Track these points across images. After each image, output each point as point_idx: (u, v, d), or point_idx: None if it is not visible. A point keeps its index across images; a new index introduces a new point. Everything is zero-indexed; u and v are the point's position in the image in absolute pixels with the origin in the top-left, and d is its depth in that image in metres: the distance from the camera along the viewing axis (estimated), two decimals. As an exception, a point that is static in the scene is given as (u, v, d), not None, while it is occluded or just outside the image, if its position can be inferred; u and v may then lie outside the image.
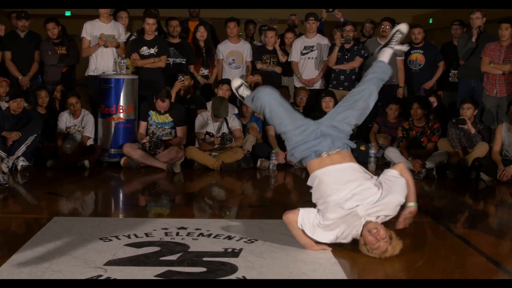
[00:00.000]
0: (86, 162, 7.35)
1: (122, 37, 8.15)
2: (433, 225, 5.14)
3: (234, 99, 8.21)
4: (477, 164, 7.16)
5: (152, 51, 8.09)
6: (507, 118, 7.35)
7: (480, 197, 6.73)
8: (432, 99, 8.19)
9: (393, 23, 8.73)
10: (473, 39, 8.24)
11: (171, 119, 7.60)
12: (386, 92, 8.49)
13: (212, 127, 7.63)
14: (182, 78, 7.98)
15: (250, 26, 9.94)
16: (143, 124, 7.59)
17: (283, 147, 7.72)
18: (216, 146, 7.51)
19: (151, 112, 7.58)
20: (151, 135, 7.51)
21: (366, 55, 8.51)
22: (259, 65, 8.67)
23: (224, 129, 7.61)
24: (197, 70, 8.66)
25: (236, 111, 8.08)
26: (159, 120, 7.58)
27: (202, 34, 8.65)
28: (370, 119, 8.46)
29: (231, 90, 7.99)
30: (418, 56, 8.68)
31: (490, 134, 7.60)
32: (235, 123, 7.70)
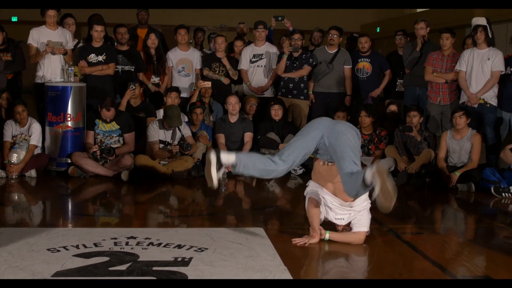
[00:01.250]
0: (33, 172, 7.22)
1: (70, 44, 8.04)
2: (381, 231, 5.22)
3: (183, 106, 8.20)
4: (423, 171, 7.31)
5: (100, 58, 8.01)
6: (451, 125, 7.54)
7: (426, 203, 6.87)
8: (393, 107, 8.34)
9: (341, 31, 8.88)
10: (417, 49, 8.43)
11: (118, 127, 7.53)
12: (334, 100, 8.62)
13: (164, 135, 7.59)
14: (134, 87, 7.92)
15: (199, 33, 9.94)
16: (90, 134, 7.50)
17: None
18: (175, 154, 7.48)
19: (97, 121, 7.49)
20: (99, 144, 7.43)
21: (314, 63, 8.60)
22: (205, 72, 8.65)
23: (178, 137, 7.58)
24: (148, 78, 8.60)
25: (186, 119, 8.07)
26: (106, 128, 7.51)
27: (153, 41, 8.61)
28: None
29: (180, 97, 8.06)
30: (365, 65, 8.82)
31: (435, 141, 7.78)
32: (187, 131, 7.69)
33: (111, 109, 7.33)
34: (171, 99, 7.87)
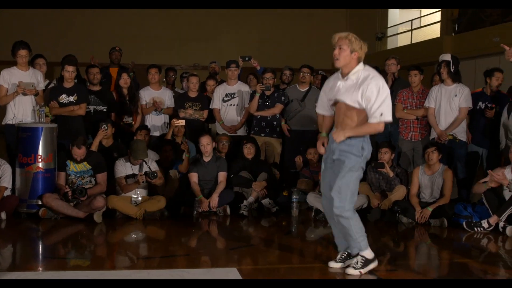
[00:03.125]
0: (3, 214, 7.09)
1: (41, 84, 8.00)
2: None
3: (156, 145, 8.18)
4: (396, 208, 7.35)
5: (72, 98, 7.97)
6: (423, 161, 7.61)
7: (400, 239, 6.88)
8: None
9: (312, 69, 8.97)
10: (388, 85, 8.51)
11: (90, 167, 7.46)
12: (306, 137, 8.65)
13: (131, 170, 7.54)
14: (106, 127, 7.88)
15: (170, 73, 9.97)
16: (61, 175, 7.41)
17: (206, 195, 7.71)
18: (141, 184, 7.42)
19: (69, 162, 7.42)
20: (70, 184, 7.35)
21: (286, 101, 8.66)
22: (181, 114, 8.66)
23: (145, 170, 7.53)
24: (120, 118, 8.57)
25: (157, 157, 8.04)
26: (78, 169, 7.44)
27: (125, 81, 8.58)
28: (293, 164, 8.59)
29: (150, 135, 8.06)
30: (337, 102, 8.87)
31: (407, 177, 7.83)
32: (154, 165, 7.64)
33: (82, 147, 7.27)
34: (141, 137, 7.87)
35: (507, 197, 6.86)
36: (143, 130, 8.11)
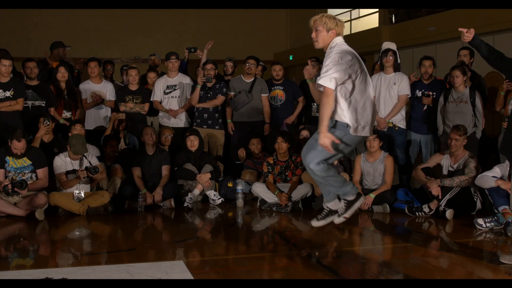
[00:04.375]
0: None
1: (-25, 80, 7.78)
2: (303, 257, 5.26)
3: (96, 139, 8.07)
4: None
5: (8, 94, 7.75)
6: (365, 149, 7.72)
7: (344, 226, 6.96)
8: (305, 132, 8.42)
9: (258, 61, 8.98)
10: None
11: (30, 162, 7.29)
12: (254, 129, 8.68)
13: (71, 166, 7.40)
14: (48, 123, 7.72)
15: (108, 66, 9.83)
16: (1, 172, 7.22)
17: (150, 189, 7.65)
18: (82, 180, 7.29)
19: (8, 158, 7.23)
20: (10, 181, 7.17)
21: (227, 92, 8.65)
22: (122, 108, 8.55)
23: (86, 165, 7.40)
24: (59, 113, 8.39)
25: (99, 153, 7.92)
26: (18, 165, 7.25)
27: (63, 75, 8.42)
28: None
29: (84, 128, 7.93)
30: (278, 92, 8.95)
31: (350, 164, 7.94)
32: (94, 160, 7.51)
33: (22, 140, 7.09)
34: (77, 131, 7.71)
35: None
36: (78, 124, 7.91)
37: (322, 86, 4.66)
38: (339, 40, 4.85)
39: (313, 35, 4.88)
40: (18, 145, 7.11)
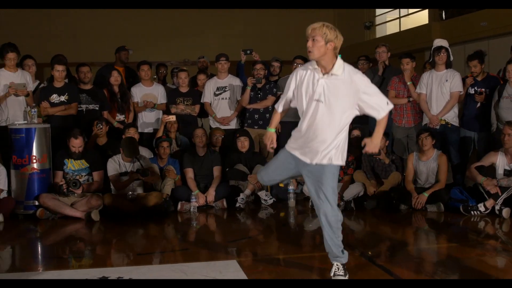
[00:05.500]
0: (0, 216, 7.06)
1: (31, 85, 7.97)
2: (355, 257, 5.23)
3: (148, 142, 8.17)
4: (392, 195, 7.37)
5: (63, 98, 7.95)
6: (417, 147, 7.63)
7: (397, 225, 6.91)
8: (356, 132, 8.36)
9: (305, 61, 8.94)
10: (379, 73, 8.55)
11: (87, 165, 7.46)
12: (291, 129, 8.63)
13: (124, 168, 7.54)
14: (101, 126, 7.89)
15: (161, 69, 9.98)
16: (59, 174, 7.40)
17: (202, 190, 7.72)
18: (135, 181, 7.41)
19: (66, 161, 7.41)
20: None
21: (279, 93, 8.65)
22: (173, 110, 8.65)
23: (137, 167, 7.52)
24: (113, 116, 8.54)
25: (152, 155, 8.04)
26: (76, 167, 7.43)
27: (116, 79, 8.56)
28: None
29: (138, 132, 8.05)
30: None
31: (402, 163, 7.85)
32: (147, 161, 7.64)
33: (79, 137, 7.28)
34: (130, 135, 7.84)
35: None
36: (132, 128, 8.04)
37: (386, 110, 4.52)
38: (341, 61, 4.58)
39: (309, 44, 4.44)
40: (76, 142, 7.28)
